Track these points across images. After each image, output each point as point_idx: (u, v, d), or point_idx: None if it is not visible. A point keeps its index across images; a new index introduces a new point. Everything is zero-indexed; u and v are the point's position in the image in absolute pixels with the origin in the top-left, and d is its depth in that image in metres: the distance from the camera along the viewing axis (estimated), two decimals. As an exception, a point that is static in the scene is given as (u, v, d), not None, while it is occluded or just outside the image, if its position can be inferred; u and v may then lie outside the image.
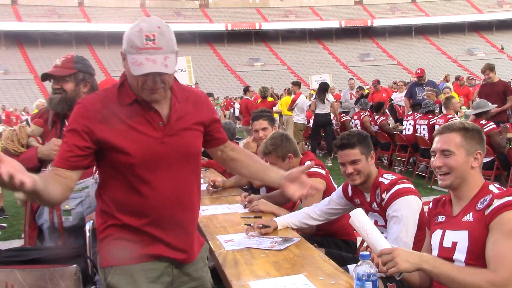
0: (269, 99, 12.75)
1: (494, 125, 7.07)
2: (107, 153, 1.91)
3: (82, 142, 1.88)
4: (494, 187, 2.13)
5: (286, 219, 3.12)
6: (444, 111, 8.55)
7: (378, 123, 10.36)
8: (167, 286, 2.06)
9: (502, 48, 60.16)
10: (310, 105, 11.83)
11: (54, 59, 3.11)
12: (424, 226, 2.51)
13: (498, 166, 6.83)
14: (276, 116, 11.69)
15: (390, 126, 10.48)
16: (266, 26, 62.53)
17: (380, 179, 2.85)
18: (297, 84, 12.22)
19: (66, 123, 2.90)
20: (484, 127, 7.00)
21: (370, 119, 10.85)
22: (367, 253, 1.69)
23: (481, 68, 9.21)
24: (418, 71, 11.35)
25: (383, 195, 2.78)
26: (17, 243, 5.91)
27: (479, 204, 2.08)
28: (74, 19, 57.65)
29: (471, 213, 2.09)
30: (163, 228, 1.98)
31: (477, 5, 65.75)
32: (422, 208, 2.77)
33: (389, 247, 1.94)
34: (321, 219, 3.20)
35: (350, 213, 2.04)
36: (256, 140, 4.76)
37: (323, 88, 11.35)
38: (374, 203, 2.87)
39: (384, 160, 10.50)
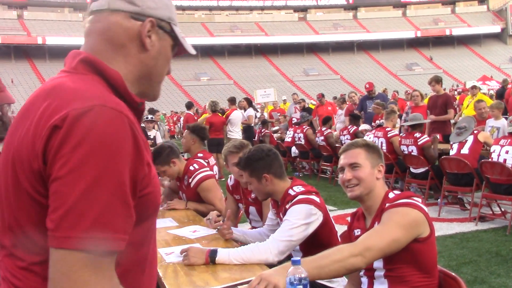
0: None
1: (428, 138, 7.42)
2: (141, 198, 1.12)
3: (138, 188, 1.08)
4: (392, 194, 2.34)
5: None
6: (384, 124, 8.64)
7: (324, 134, 10.47)
8: None
9: (431, 58, 63.66)
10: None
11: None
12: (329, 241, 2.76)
13: (432, 176, 7.16)
14: None
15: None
16: (211, 40, 62.82)
17: (289, 191, 2.91)
18: (231, 100, 12.60)
19: None
20: (418, 140, 7.35)
21: (317, 131, 11.02)
22: (298, 258, 1.78)
23: (428, 80, 9.12)
24: (367, 86, 11.47)
25: (287, 206, 2.85)
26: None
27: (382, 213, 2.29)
28: (13, 32, 55.86)
29: (376, 223, 2.29)
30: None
31: (415, 22, 68.64)
32: (327, 224, 2.89)
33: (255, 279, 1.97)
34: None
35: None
36: None
37: (248, 104, 12.80)
38: (280, 213, 2.96)
39: (327, 172, 10.75)
